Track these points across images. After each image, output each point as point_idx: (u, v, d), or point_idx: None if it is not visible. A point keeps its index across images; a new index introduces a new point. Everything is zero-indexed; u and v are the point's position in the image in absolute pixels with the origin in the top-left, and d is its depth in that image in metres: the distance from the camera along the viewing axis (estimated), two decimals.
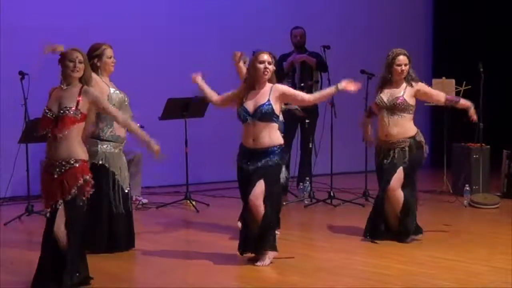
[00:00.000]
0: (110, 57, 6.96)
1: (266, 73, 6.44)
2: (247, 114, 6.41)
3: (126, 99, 7.01)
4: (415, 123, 7.47)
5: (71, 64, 5.69)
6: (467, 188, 9.39)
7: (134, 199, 9.31)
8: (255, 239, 6.47)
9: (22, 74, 8.49)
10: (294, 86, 9.42)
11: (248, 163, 6.42)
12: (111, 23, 10.25)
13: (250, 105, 6.43)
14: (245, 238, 6.56)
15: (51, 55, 6.17)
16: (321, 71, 9.89)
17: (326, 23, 11.77)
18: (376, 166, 7.51)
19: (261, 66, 6.43)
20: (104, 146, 6.88)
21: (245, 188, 6.44)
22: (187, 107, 9.22)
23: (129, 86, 7.26)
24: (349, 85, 6.45)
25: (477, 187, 9.77)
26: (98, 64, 6.90)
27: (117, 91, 6.95)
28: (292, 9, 11.61)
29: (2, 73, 9.60)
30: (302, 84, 9.77)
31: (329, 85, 9.50)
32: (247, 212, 6.45)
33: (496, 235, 7.81)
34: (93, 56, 6.85)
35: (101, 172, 6.73)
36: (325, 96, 6.75)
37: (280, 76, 7.94)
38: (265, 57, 6.45)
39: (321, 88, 9.91)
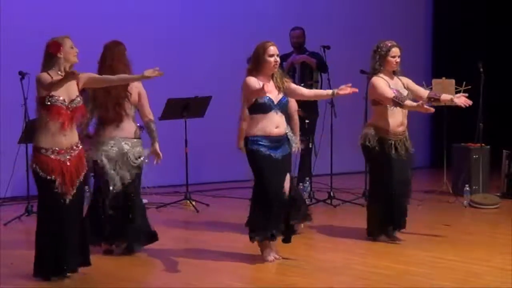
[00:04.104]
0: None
1: (276, 66, 6.58)
2: (274, 104, 6.54)
3: None
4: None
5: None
6: (467, 188, 9.38)
7: None
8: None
9: (22, 74, 8.48)
10: None
11: (276, 150, 6.53)
12: (111, 23, 10.23)
13: (273, 96, 6.54)
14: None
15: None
16: (321, 71, 9.88)
17: (326, 23, 11.75)
18: (379, 160, 7.29)
19: (272, 59, 6.55)
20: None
21: (276, 176, 6.50)
22: (187, 107, 9.21)
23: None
24: (343, 91, 6.56)
25: (477, 187, 9.76)
26: None
27: None
28: (292, 9, 11.59)
29: (2, 73, 9.60)
30: (302, 84, 9.74)
31: (329, 85, 9.53)
32: (268, 201, 6.46)
33: (496, 235, 7.81)
34: None
35: (98, 170, 6.75)
36: (320, 96, 7.13)
37: None
38: (273, 49, 6.57)
39: (321, 88, 9.92)
